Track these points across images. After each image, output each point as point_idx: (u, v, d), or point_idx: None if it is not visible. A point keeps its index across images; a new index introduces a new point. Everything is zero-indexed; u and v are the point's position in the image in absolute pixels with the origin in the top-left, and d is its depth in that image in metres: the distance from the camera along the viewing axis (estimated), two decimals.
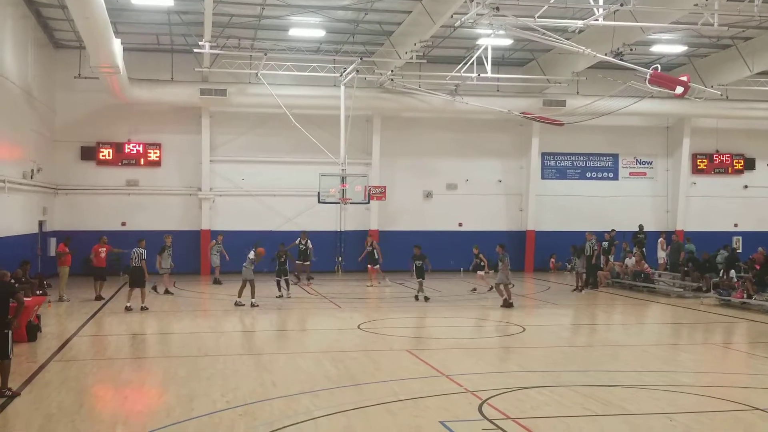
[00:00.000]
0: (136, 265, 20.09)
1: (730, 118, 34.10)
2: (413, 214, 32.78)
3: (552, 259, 33.35)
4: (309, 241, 26.78)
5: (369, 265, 26.59)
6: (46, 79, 28.16)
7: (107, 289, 22.66)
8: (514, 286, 22.17)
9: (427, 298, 22.48)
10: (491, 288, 23.84)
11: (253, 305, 20.68)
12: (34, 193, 25.81)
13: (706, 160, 35.47)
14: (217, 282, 26.63)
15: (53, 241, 26.99)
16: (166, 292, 23.36)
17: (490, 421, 9.65)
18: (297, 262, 26.34)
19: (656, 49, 29.30)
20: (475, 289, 24.71)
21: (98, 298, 22.02)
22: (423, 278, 22.68)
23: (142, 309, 19.79)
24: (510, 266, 21.64)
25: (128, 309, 19.73)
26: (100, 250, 22.60)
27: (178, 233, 29.35)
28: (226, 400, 10.60)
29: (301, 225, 30.83)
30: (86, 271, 24.31)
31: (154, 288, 23.23)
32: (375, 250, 26.53)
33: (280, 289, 22.65)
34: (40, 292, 18.70)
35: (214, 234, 28.96)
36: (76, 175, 30.17)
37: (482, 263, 24.93)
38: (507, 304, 21.03)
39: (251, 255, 21.02)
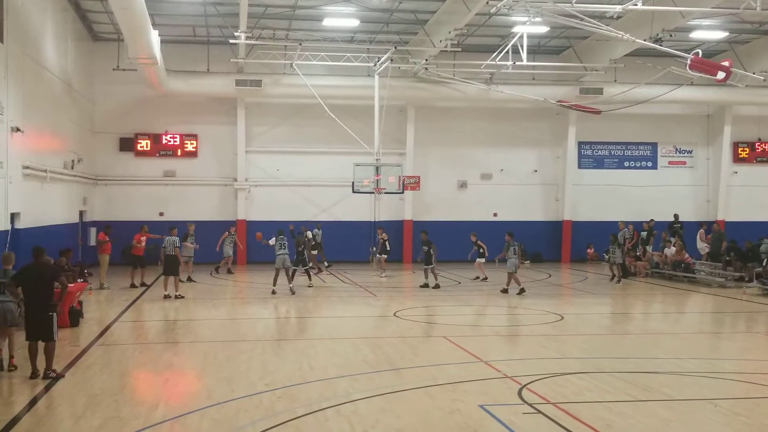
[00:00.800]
0: (170, 253, 20.28)
1: None
2: (447, 204, 32.65)
3: (589, 250, 32.98)
4: (309, 231, 26.78)
5: (381, 255, 26.16)
6: (86, 71, 28.55)
7: (146, 278, 22.94)
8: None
9: (427, 285, 22.60)
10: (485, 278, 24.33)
11: (292, 291, 20.88)
12: (74, 183, 26.18)
13: (747, 149, 34.78)
14: (229, 272, 26.88)
15: (93, 230, 27.37)
16: (188, 279, 23.49)
17: (531, 405, 9.59)
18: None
19: (696, 35, 28.75)
20: (485, 278, 24.53)
21: (139, 285, 22.31)
22: (432, 264, 22.68)
23: (176, 297, 19.97)
24: (516, 254, 21.56)
25: (167, 297, 19.95)
26: (141, 239, 22.88)
27: (214, 223, 29.70)
28: (265, 383, 10.66)
29: (335, 215, 31.04)
30: (125, 260, 24.62)
31: (189, 278, 23.48)
32: (386, 242, 26.32)
33: (291, 279, 22.01)
34: (81, 279, 18.98)
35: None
36: (114, 165, 30.57)
37: (482, 250, 24.69)
38: (505, 291, 21.42)
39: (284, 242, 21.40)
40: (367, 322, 17.41)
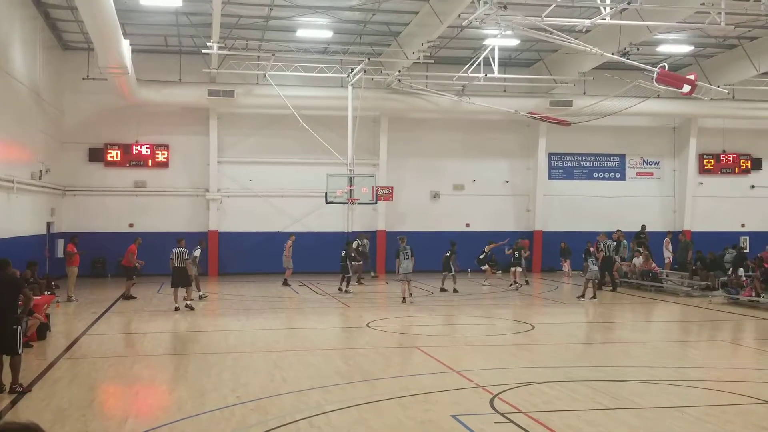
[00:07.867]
0: (179, 265, 19.99)
1: (736, 118, 34.04)
2: (420, 214, 32.75)
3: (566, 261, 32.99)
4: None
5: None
6: (55, 80, 28.25)
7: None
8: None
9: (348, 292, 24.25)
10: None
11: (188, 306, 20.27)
12: (42, 194, 25.86)
13: (713, 161, 35.42)
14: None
15: (61, 242, 27.03)
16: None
17: (502, 414, 9.64)
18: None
19: (663, 49, 29.23)
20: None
21: (127, 297, 22.07)
22: (348, 274, 24.71)
23: (187, 306, 19.73)
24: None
25: (186, 306, 19.79)
26: (134, 250, 22.62)
27: (185, 234, 29.34)
28: (237, 395, 10.60)
29: (308, 226, 31.01)
30: (118, 272, 24.38)
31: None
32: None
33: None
34: (48, 292, 18.72)
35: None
36: (84, 176, 30.24)
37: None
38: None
39: (196, 252, 21.44)
40: (341, 333, 17.43)
